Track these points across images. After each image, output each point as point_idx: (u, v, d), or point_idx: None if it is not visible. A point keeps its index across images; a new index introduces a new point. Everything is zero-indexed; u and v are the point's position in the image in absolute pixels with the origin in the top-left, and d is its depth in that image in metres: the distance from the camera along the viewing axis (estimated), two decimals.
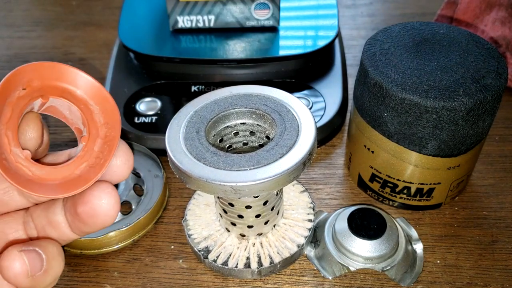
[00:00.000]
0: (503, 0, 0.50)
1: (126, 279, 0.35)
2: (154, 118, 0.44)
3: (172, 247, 0.37)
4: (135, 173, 0.41)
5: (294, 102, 0.32)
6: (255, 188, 0.27)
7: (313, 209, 0.37)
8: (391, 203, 0.39)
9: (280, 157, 0.28)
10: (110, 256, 0.37)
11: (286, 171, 0.28)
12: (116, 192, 0.24)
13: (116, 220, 0.37)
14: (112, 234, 0.35)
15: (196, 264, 0.36)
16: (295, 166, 0.28)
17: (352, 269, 0.34)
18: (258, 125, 0.32)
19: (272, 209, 0.33)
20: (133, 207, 0.39)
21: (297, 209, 0.37)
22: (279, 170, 0.27)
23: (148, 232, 0.38)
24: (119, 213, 0.38)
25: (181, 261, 0.36)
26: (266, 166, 0.28)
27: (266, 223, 0.34)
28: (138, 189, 0.40)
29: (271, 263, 0.34)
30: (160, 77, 0.48)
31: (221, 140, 0.33)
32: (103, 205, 0.23)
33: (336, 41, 0.51)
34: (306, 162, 0.29)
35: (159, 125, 0.43)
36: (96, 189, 0.23)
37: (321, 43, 0.47)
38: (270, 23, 0.49)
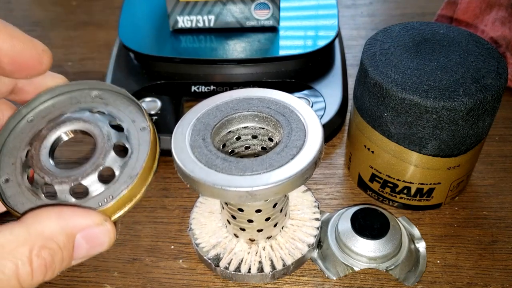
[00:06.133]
0: (503, 0, 0.50)
1: (126, 279, 0.35)
2: (154, 118, 0.44)
3: (172, 247, 0.37)
4: (115, 126, 0.29)
5: (296, 102, 0.32)
6: (271, 191, 0.27)
7: (318, 208, 0.37)
8: (391, 203, 0.39)
9: (292, 158, 0.28)
10: (110, 256, 0.37)
11: (300, 172, 0.27)
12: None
13: (97, 193, 0.27)
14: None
15: (196, 264, 0.36)
16: (308, 166, 0.28)
17: (356, 269, 0.34)
18: (261, 128, 0.32)
19: (281, 210, 0.33)
20: (117, 173, 0.27)
21: (302, 209, 0.37)
22: (293, 172, 0.27)
23: (137, 204, 0.28)
24: (99, 182, 0.27)
25: (181, 261, 0.36)
26: (279, 169, 0.27)
27: (275, 225, 0.34)
28: (121, 149, 0.29)
29: (284, 265, 0.33)
30: (160, 77, 0.48)
31: (223, 146, 0.33)
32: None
33: (336, 41, 0.51)
34: (317, 161, 0.29)
35: (160, 125, 0.43)
36: None
37: (321, 43, 0.47)
38: (270, 23, 0.49)
